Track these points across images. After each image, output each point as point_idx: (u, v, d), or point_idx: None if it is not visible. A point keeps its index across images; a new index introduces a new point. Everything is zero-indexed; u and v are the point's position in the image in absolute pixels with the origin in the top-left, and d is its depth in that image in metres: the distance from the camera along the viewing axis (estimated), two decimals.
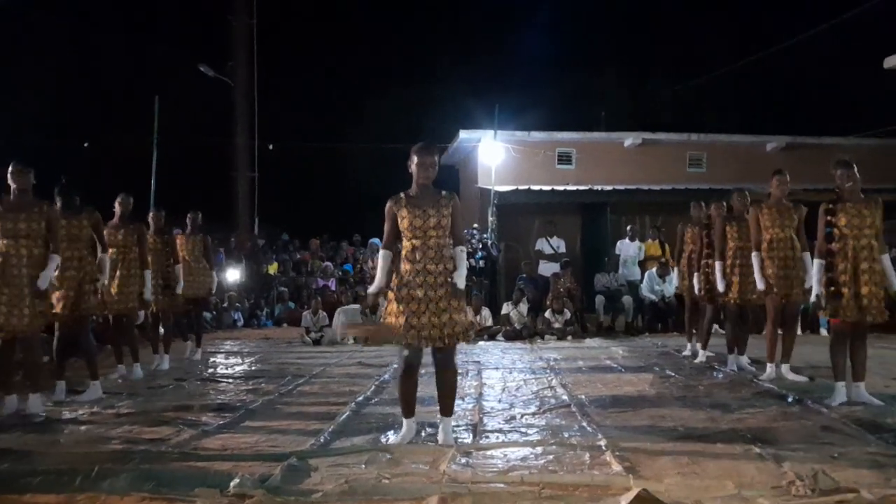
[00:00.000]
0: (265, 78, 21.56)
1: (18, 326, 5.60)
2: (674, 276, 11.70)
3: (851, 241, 5.59)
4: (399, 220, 4.59)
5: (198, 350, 9.43)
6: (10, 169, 5.82)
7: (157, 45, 22.04)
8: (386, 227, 4.68)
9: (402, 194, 4.67)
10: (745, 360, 7.82)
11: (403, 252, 4.61)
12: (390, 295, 4.62)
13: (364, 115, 25.22)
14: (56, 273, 6.01)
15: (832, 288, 5.63)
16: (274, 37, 22.55)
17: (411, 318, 4.49)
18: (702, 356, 8.43)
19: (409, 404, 4.71)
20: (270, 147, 21.92)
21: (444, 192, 4.68)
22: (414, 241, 4.56)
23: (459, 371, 7.33)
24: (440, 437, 4.65)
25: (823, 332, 10.63)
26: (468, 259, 5.14)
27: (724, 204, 8.39)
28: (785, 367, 6.97)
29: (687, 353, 9.11)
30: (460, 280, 4.57)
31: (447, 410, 4.72)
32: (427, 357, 4.73)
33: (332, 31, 28.71)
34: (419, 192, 4.65)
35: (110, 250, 7.11)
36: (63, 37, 22.13)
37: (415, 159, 4.64)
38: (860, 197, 5.70)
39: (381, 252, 4.72)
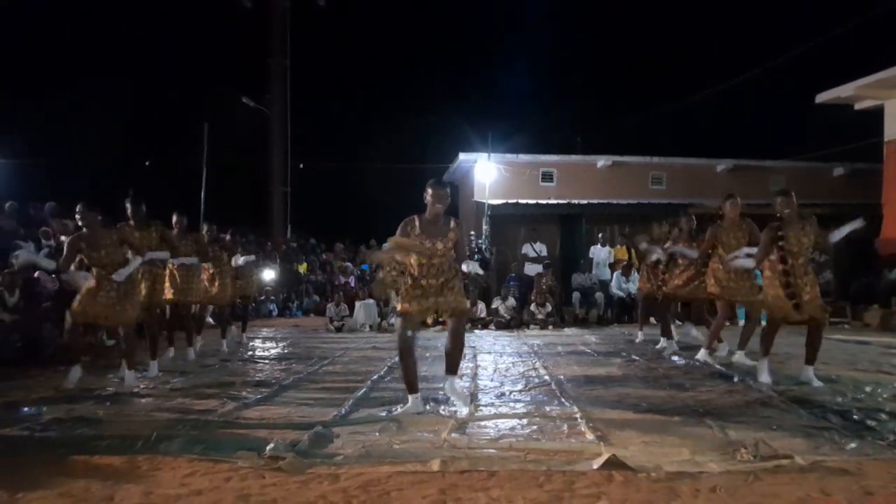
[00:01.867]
0: (297, 108, 21.63)
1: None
2: (636, 277, 11.86)
3: (799, 257, 5.59)
4: (412, 239, 4.56)
5: (242, 335, 9.51)
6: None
7: (207, 81, 22.12)
8: (400, 234, 4.59)
9: (416, 219, 4.61)
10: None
11: (412, 266, 4.60)
12: (402, 290, 4.62)
13: (379, 139, 25.29)
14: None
15: (782, 293, 5.62)
16: (304, 74, 22.58)
17: (422, 299, 4.55)
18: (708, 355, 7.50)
19: (411, 382, 4.69)
20: (301, 166, 21.96)
21: (451, 223, 4.65)
22: (421, 260, 4.57)
23: None
24: (447, 389, 4.70)
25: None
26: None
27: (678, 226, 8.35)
28: (739, 354, 6.91)
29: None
30: (466, 265, 4.60)
31: (450, 369, 4.72)
32: (434, 342, 4.72)
33: (352, 70, 28.78)
34: (432, 220, 4.61)
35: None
36: (131, 75, 22.25)
37: (430, 192, 4.60)
38: (798, 219, 5.67)
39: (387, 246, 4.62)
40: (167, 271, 7.18)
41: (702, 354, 6.97)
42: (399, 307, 4.65)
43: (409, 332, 4.62)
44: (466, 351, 8.20)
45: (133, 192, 6.68)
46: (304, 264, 16.90)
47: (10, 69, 21.36)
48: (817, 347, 5.68)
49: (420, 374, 5.09)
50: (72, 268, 6.19)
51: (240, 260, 8.66)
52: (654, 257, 8.16)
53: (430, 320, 4.81)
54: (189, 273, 7.43)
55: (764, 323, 6.09)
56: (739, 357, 6.88)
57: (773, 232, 5.66)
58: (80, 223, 5.81)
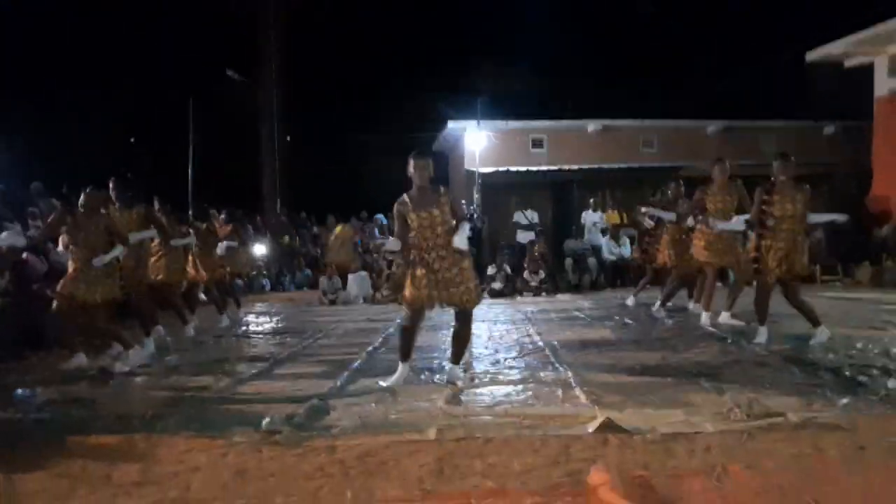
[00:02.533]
0: (283, 80, 21.34)
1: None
2: (626, 240, 11.98)
3: (783, 222, 5.58)
4: (409, 221, 4.51)
5: (238, 310, 9.58)
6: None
7: (192, 54, 21.79)
8: (397, 226, 4.59)
9: (406, 198, 4.55)
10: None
11: (418, 246, 4.52)
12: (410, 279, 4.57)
13: (367, 110, 25.12)
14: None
15: (760, 254, 5.63)
16: (291, 44, 22.23)
17: (432, 290, 4.48)
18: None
19: (406, 350, 4.69)
20: (288, 138, 21.77)
21: (440, 189, 4.60)
22: (426, 234, 4.49)
23: (452, 324, 7.34)
24: (448, 378, 4.66)
25: None
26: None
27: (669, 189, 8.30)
28: (725, 315, 6.93)
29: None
30: (459, 241, 4.46)
31: (455, 359, 4.73)
32: (428, 313, 4.71)
33: (340, 39, 28.38)
34: (420, 193, 4.55)
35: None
36: (114, 51, 21.90)
37: (412, 163, 4.55)
38: (792, 185, 5.64)
39: (392, 240, 4.62)
40: (154, 251, 7.13)
41: (705, 319, 6.98)
42: (406, 294, 4.58)
43: (414, 312, 4.61)
44: None
45: (119, 173, 6.60)
46: (296, 238, 16.84)
47: None
48: (803, 309, 5.72)
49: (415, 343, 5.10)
50: (60, 248, 6.14)
51: (221, 247, 8.63)
52: (645, 224, 8.22)
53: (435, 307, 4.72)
54: (176, 253, 7.37)
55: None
56: (725, 318, 6.89)
57: (763, 193, 5.65)
58: (80, 202, 5.76)
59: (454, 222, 4.57)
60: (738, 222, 6.30)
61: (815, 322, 5.70)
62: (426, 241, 4.50)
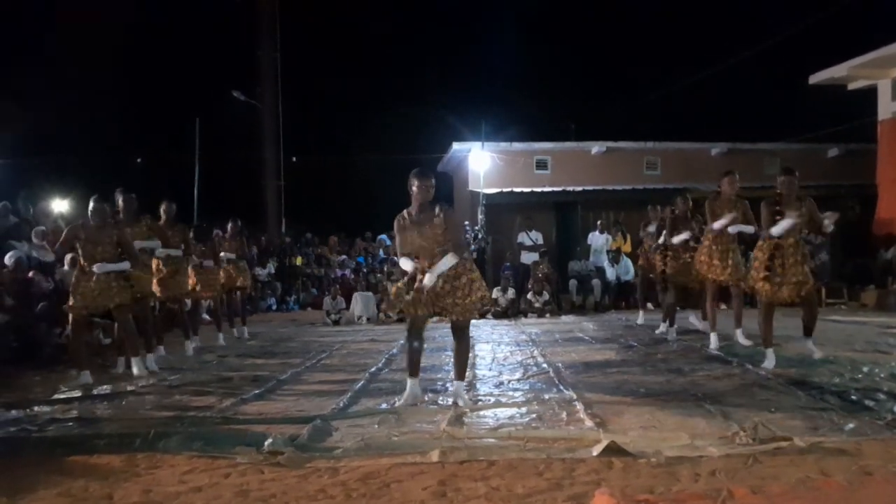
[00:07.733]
0: (288, 101, 21.53)
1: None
2: (628, 262, 11.99)
3: (785, 238, 5.58)
4: (406, 235, 4.61)
5: (244, 329, 9.44)
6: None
7: (198, 75, 22.01)
8: (397, 240, 4.72)
9: (405, 213, 4.64)
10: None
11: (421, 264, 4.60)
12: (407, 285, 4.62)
13: (372, 131, 25.31)
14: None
15: (768, 274, 5.62)
16: (295, 67, 22.46)
17: (426, 300, 4.51)
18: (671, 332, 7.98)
19: (412, 366, 4.68)
20: (294, 159, 21.89)
21: (437, 208, 4.60)
22: (425, 253, 4.56)
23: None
24: (452, 399, 4.64)
25: None
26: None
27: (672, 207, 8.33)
28: (738, 332, 6.91)
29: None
30: (428, 278, 4.43)
31: (458, 375, 4.71)
32: (432, 333, 4.71)
33: (344, 61, 28.67)
34: (419, 210, 4.60)
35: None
36: (122, 74, 22.20)
37: (414, 182, 4.58)
38: (795, 199, 5.67)
39: (402, 259, 4.71)
40: (154, 267, 7.15)
41: (714, 342, 6.87)
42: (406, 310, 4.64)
43: (415, 320, 4.66)
44: None
45: (124, 186, 6.68)
46: (300, 258, 16.86)
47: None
48: (810, 321, 5.78)
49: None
50: (66, 266, 6.19)
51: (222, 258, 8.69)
52: (684, 237, 7.88)
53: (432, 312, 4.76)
54: (176, 267, 7.40)
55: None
56: (739, 336, 6.88)
57: (772, 207, 5.66)
58: (91, 211, 5.83)
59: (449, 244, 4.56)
60: (746, 225, 6.48)
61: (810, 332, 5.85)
62: (424, 258, 4.56)
